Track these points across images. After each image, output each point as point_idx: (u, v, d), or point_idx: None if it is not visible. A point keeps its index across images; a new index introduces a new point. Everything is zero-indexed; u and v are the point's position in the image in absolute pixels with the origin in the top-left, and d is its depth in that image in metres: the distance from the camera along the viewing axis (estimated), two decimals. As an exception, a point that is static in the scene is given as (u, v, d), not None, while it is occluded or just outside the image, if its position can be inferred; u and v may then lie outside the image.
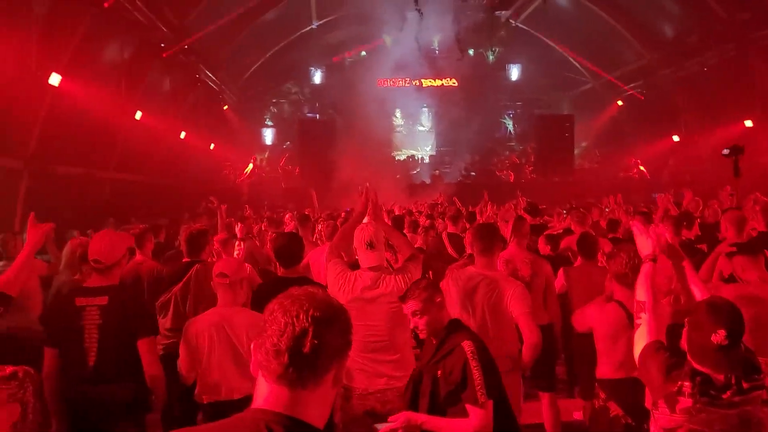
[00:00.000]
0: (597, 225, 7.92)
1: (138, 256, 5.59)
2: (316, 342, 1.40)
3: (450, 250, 6.51)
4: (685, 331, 2.49)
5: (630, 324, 3.34)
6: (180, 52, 15.35)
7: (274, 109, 25.78)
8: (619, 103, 22.45)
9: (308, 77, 25.51)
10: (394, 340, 3.66)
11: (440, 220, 9.43)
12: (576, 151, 23.37)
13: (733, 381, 2.31)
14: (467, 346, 2.85)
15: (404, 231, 8.38)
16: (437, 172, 23.04)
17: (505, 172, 22.99)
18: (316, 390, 1.43)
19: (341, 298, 3.61)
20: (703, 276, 4.53)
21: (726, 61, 16.13)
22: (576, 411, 5.38)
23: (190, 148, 18.34)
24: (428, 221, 9.37)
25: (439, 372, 2.92)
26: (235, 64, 19.37)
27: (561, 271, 5.31)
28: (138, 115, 14.08)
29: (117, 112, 12.97)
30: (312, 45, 22.88)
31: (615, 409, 3.61)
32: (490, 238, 4.13)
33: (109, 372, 3.36)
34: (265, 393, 1.44)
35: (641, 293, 2.81)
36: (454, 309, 4.05)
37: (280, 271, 4.41)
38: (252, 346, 1.48)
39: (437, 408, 2.91)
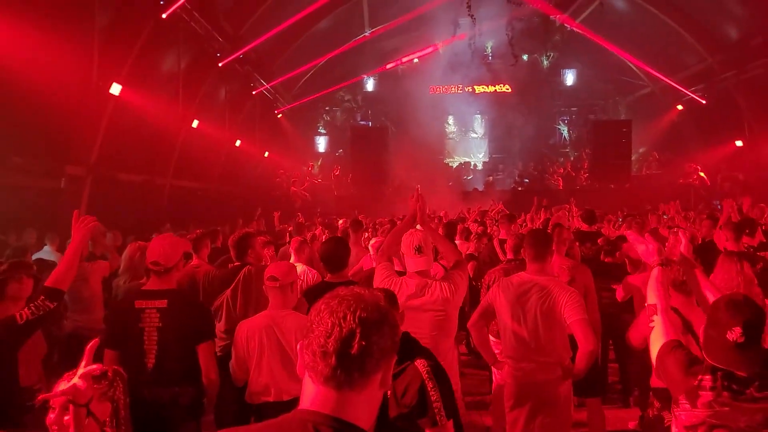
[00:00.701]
0: (656, 232, 7.66)
1: (194, 260, 5.75)
2: (363, 343, 1.38)
3: (501, 255, 6.42)
4: (703, 329, 2.46)
5: (686, 330, 3.27)
6: (235, 61, 15.70)
7: (327, 117, 26.07)
8: (679, 107, 21.71)
9: (361, 85, 25.70)
10: (437, 348, 3.61)
11: (495, 227, 9.34)
12: (633, 157, 22.77)
13: (756, 377, 2.25)
14: (421, 365, 2.68)
15: (456, 238, 8.35)
16: (491, 178, 22.82)
17: (555, 179, 22.57)
18: (363, 392, 1.41)
19: (385, 304, 3.60)
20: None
21: (793, 62, 15.46)
22: (631, 421, 5.24)
23: (245, 155, 18.73)
24: (480, 228, 9.27)
25: (389, 392, 2.75)
26: (288, 73, 19.66)
27: (625, 280, 5.24)
28: (195, 123, 14.48)
29: (175, 120, 13.38)
30: (365, 52, 23.04)
31: (669, 418, 3.51)
32: (542, 244, 4.05)
33: (168, 375, 3.41)
34: (312, 394, 1.42)
35: (652, 296, 2.78)
36: (503, 317, 3.99)
37: (327, 276, 4.42)
38: (298, 347, 1.47)
39: (386, 428, 2.81)
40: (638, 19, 20.40)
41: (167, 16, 11.74)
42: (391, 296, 2.87)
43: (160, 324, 3.42)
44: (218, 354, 4.53)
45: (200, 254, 5.85)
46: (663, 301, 2.75)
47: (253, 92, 18.65)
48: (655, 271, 2.88)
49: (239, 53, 15.57)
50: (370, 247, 5.68)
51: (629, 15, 20.68)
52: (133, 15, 11.12)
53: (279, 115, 22.05)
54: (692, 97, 20.39)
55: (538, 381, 3.89)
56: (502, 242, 6.61)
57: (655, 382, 3.68)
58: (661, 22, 19.37)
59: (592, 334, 3.81)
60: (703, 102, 20.19)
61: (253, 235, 5.43)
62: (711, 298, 2.88)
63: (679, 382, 2.42)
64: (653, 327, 2.70)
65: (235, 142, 17.78)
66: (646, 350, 3.77)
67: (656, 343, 2.63)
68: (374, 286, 3.80)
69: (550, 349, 3.92)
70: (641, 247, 3.00)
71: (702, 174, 20.29)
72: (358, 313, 1.40)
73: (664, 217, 10.08)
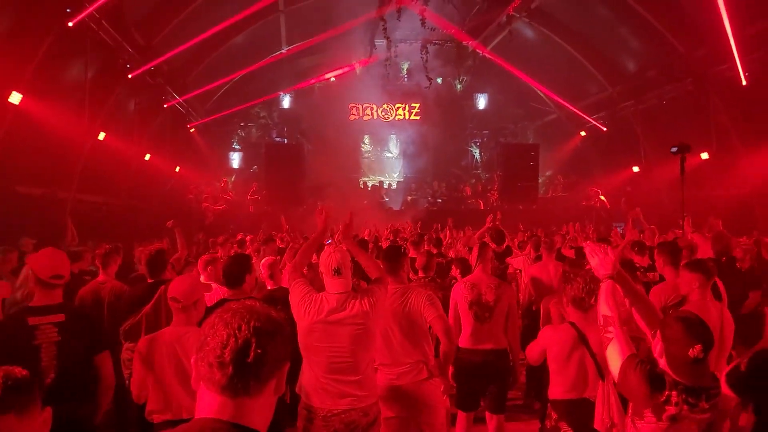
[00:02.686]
0: (559, 253, 8.05)
1: (101, 276, 5.54)
2: (259, 351, 1.43)
3: (411, 274, 6.53)
4: (660, 345, 2.63)
5: (581, 343, 3.46)
6: (146, 73, 15.23)
7: (241, 133, 25.68)
8: (583, 133, 22.95)
9: (277, 101, 25.52)
10: (357, 361, 3.68)
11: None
12: (540, 180, 23.75)
13: (704, 389, 2.52)
14: None
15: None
16: (409, 198, 23.17)
17: (473, 199, 23.20)
18: (259, 398, 1.47)
19: (306, 320, 3.64)
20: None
21: (683, 95, 16.70)
22: (535, 433, 5.45)
23: (155, 170, 18.12)
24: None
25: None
26: (202, 87, 19.27)
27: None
28: (101, 135, 13.91)
29: (80, 132, 12.79)
30: (281, 69, 22.94)
31: (566, 429, 3.71)
32: (394, 258, 4.47)
33: (70, 390, 3.35)
34: (209, 403, 1.46)
35: (605, 308, 2.93)
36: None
37: (227, 293, 4.37)
38: (192, 360, 1.49)
39: None
40: (545, 48, 21.45)
41: (74, 25, 11.28)
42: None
43: (59, 338, 3.35)
44: (130, 374, 4.50)
45: (107, 270, 5.64)
46: (616, 312, 2.90)
47: (165, 105, 18.13)
48: (605, 284, 3.02)
49: (150, 65, 15.12)
50: (261, 266, 5.62)
51: (537, 44, 21.70)
52: (36, 22, 10.60)
53: (192, 130, 21.51)
54: (594, 124, 21.60)
55: (411, 382, 4.16)
56: (411, 261, 6.73)
57: (552, 393, 3.89)
58: (566, 52, 20.45)
59: (452, 332, 4.24)
60: (604, 129, 21.42)
61: (167, 252, 5.27)
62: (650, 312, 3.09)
63: (645, 396, 2.58)
64: (611, 338, 2.84)
65: (144, 156, 17.19)
66: (543, 365, 4.00)
67: (614, 356, 2.78)
68: (292, 303, 3.80)
69: (415, 349, 4.19)
70: (595, 259, 3.10)
71: (602, 197, 21.46)
72: (252, 324, 1.45)
73: (567, 237, 10.58)
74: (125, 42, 14.00)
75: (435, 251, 8.82)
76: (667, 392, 2.52)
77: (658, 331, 2.65)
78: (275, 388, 1.52)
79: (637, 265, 6.65)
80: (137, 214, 16.88)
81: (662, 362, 2.60)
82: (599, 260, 3.08)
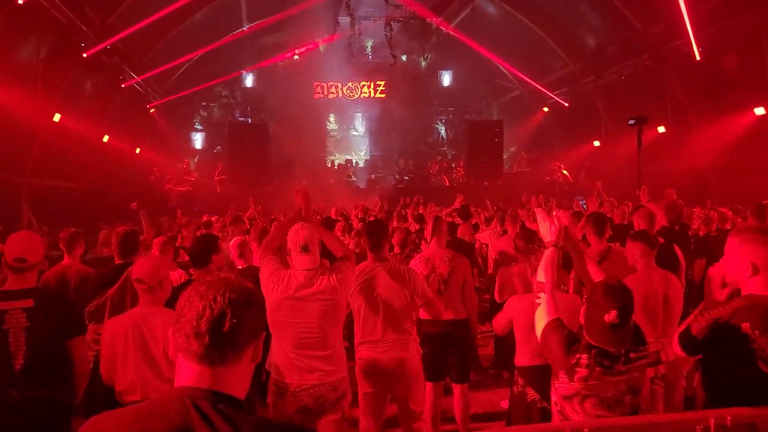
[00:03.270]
0: (523, 226, 8.16)
1: (66, 260, 5.47)
2: (235, 321, 1.48)
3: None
4: (583, 309, 2.72)
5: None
6: (102, 52, 14.83)
7: (203, 113, 25.21)
8: (545, 109, 23.19)
9: (239, 80, 25.10)
10: (326, 337, 3.71)
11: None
12: (505, 156, 23.95)
13: (622, 353, 2.58)
14: None
15: (338, 234, 8.42)
16: (372, 176, 23.13)
17: (440, 176, 23.31)
18: (236, 366, 1.52)
19: (275, 296, 3.65)
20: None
21: (641, 70, 16.97)
22: (503, 400, 5.56)
23: (115, 152, 17.72)
24: (362, 224, 9.38)
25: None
26: (161, 66, 18.84)
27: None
28: (57, 117, 13.52)
29: (33, 114, 12.40)
30: (243, 47, 22.58)
31: (532, 394, 3.83)
32: (378, 234, 4.43)
33: (39, 375, 3.33)
34: (187, 372, 1.50)
35: (541, 275, 3.00)
36: (357, 304, 4.30)
37: (194, 274, 4.34)
38: (170, 332, 1.53)
39: None
40: (508, 25, 21.55)
41: (24, 2, 10.88)
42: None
43: (28, 324, 3.31)
44: (95, 355, 4.39)
45: (73, 253, 5.56)
46: (551, 280, 2.96)
47: (123, 85, 17.69)
48: (549, 251, 3.07)
49: (107, 44, 14.73)
50: (231, 246, 5.58)
51: (500, 21, 21.78)
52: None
53: (152, 110, 21.07)
54: (557, 100, 21.84)
55: (393, 358, 4.20)
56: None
57: (518, 361, 4.00)
58: (528, 29, 20.57)
59: (434, 302, 4.41)
60: (566, 105, 21.67)
61: (140, 233, 5.19)
62: (595, 276, 3.14)
63: (560, 360, 2.67)
64: (539, 304, 2.92)
65: (102, 138, 16.79)
66: (510, 334, 4.09)
67: (541, 320, 2.86)
68: (261, 279, 3.79)
69: (396, 326, 4.24)
70: (544, 225, 3.14)
71: (565, 171, 21.78)
72: (227, 295, 1.50)
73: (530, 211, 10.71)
74: (79, 20, 13.59)
75: (417, 227, 8.83)
76: (578, 355, 2.60)
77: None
78: (252, 357, 1.56)
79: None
80: (98, 198, 16.53)
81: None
82: (547, 227, 3.14)
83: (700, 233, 6.66)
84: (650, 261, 4.44)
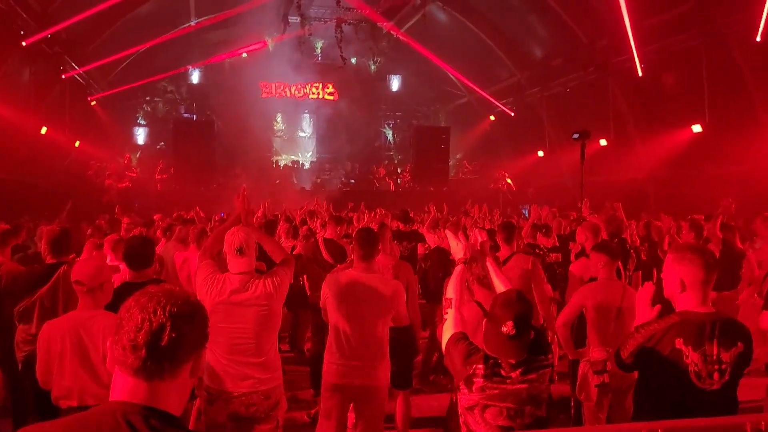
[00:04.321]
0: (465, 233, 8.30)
1: None
2: (174, 335, 1.45)
3: (325, 254, 6.55)
4: (484, 321, 2.79)
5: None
6: (42, 41, 14.31)
7: (147, 108, 24.58)
8: (492, 118, 23.61)
9: (185, 76, 24.59)
10: (260, 343, 3.65)
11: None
12: (451, 162, 24.27)
13: (520, 363, 2.63)
14: None
15: (282, 236, 8.37)
16: (318, 179, 23.05)
17: (386, 180, 23.41)
18: (173, 381, 1.49)
19: (209, 300, 3.57)
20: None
21: (586, 83, 17.51)
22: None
23: (52, 144, 17.08)
24: (305, 227, 9.34)
25: None
26: (104, 58, 18.30)
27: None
28: (-9, 106, 12.99)
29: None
30: (190, 43, 22.12)
31: None
32: (371, 243, 4.25)
33: None
34: (122, 386, 1.47)
35: (450, 291, 3.06)
36: (332, 312, 4.14)
37: (129, 276, 4.14)
38: (108, 343, 1.50)
39: None
40: (458, 33, 21.87)
41: (-42, -15, 10.44)
42: None
43: None
44: (22, 358, 4.34)
45: (3, 251, 5.40)
46: (459, 295, 3.04)
47: (63, 76, 17.10)
48: (458, 268, 3.17)
49: (47, 32, 14.22)
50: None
51: (450, 29, 22.08)
52: None
53: (93, 103, 20.42)
54: (503, 109, 22.28)
55: (366, 378, 4.12)
56: (326, 241, 6.74)
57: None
58: (478, 38, 20.94)
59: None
60: (512, 114, 22.14)
61: (70, 232, 5.01)
62: (500, 286, 3.20)
63: (459, 371, 2.72)
64: (446, 319, 2.97)
65: (40, 129, 16.17)
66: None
67: (446, 334, 2.91)
68: (196, 284, 3.73)
69: (377, 345, 4.15)
70: (453, 242, 3.25)
71: (509, 180, 22.24)
72: (168, 308, 1.46)
73: (474, 218, 10.90)
74: (18, 6, 13.08)
75: (402, 227, 8.70)
76: (474, 365, 2.65)
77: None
78: (191, 371, 1.53)
79: (541, 246, 6.99)
80: (32, 190, 15.90)
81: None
82: (455, 245, 3.25)
83: (637, 244, 6.92)
84: (611, 272, 4.60)
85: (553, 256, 6.95)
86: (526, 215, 16.00)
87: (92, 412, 1.47)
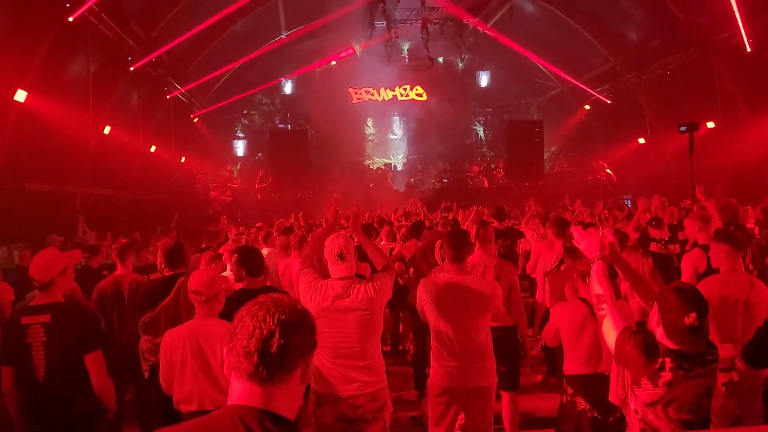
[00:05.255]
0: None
1: (119, 270, 5.68)
2: (282, 342, 1.53)
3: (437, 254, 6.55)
4: (656, 314, 2.71)
5: (593, 318, 3.50)
6: (148, 65, 15.25)
7: (245, 121, 25.65)
8: (587, 107, 22.81)
9: (279, 87, 25.46)
10: (364, 347, 3.73)
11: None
12: (546, 156, 23.68)
13: (701, 355, 2.61)
14: None
15: (383, 238, 8.49)
16: (411, 179, 23.17)
17: (479, 177, 23.18)
18: (284, 386, 1.57)
19: (313, 307, 3.67)
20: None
21: (688, 63, 16.55)
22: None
23: (160, 161, 18.20)
24: (404, 229, 9.40)
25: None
26: (203, 76, 19.26)
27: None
28: (107, 129, 13.97)
29: (86, 126, 12.85)
30: (282, 55, 22.85)
31: (582, 404, 3.77)
32: (461, 245, 4.24)
33: (59, 387, 3.47)
34: (239, 391, 1.56)
35: (597, 287, 3.01)
36: (432, 316, 4.16)
37: (244, 283, 4.40)
38: (225, 350, 1.60)
39: None
40: (546, 22, 21.29)
41: (74, 20, 11.28)
42: None
43: (46, 338, 3.47)
44: (150, 366, 4.59)
45: (125, 263, 5.77)
46: (609, 291, 2.99)
47: (168, 96, 18.16)
48: (596, 265, 3.10)
49: (152, 57, 15.13)
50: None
51: (538, 19, 21.54)
52: (36, 19, 10.61)
53: (195, 120, 21.55)
54: (598, 97, 21.47)
55: (477, 379, 4.12)
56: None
57: (567, 369, 3.94)
58: (567, 25, 20.29)
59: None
60: (609, 102, 21.29)
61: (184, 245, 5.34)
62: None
63: (641, 365, 2.68)
64: (604, 315, 2.94)
65: (150, 148, 17.26)
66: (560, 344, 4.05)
67: (610, 330, 2.87)
68: (300, 291, 3.86)
69: (481, 345, 4.14)
70: (583, 242, 3.20)
71: (609, 171, 21.41)
72: (276, 316, 1.55)
73: (574, 213, 10.57)
74: (125, 34, 14.02)
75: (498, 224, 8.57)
76: (661, 359, 2.62)
77: (655, 303, 2.73)
78: (301, 377, 1.61)
79: (657, 238, 6.70)
80: (145, 206, 16.99)
81: (659, 332, 2.67)
82: (587, 244, 3.18)
83: (756, 233, 6.44)
84: (735, 263, 4.24)
85: (671, 247, 6.63)
86: (629, 205, 15.35)
87: (212, 416, 1.57)
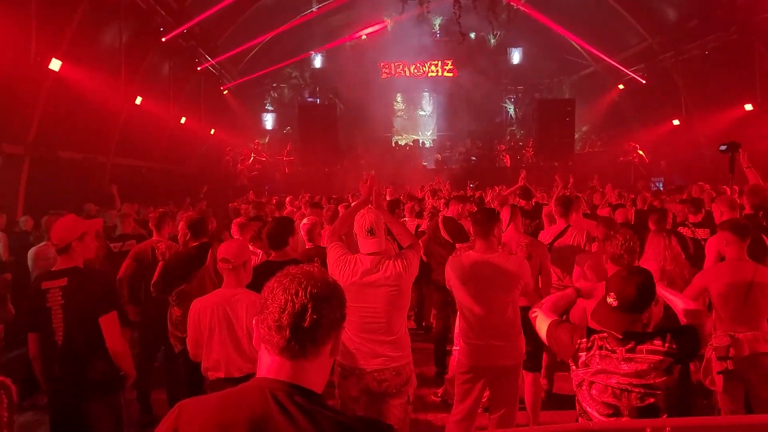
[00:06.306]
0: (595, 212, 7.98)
1: (155, 236, 5.95)
2: (315, 316, 1.50)
3: (443, 233, 6.54)
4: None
5: None
6: (179, 36, 15.31)
7: (274, 94, 25.69)
8: (621, 87, 22.33)
9: (308, 61, 25.38)
10: (391, 322, 3.73)
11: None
12: (576, 135, 23.32)
13: (627, 339, 2.62)
14: None
15: (407, 215, 8.46)
16: (439, 156, 23.04)
17: (506, 156, 22.96)
18: (315, 360, 1.54)
19: (342, 281, 3.67)
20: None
21: (727, 44, 16.05)
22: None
23: (190, 132, 18.36)
24: (431, 206, 9.37)
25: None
26: (234, 48, 19.29)
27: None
28: (138, 100, 14.10)
29: (117, 96, 13.00)
30: (312, 28, 22.76)
31: None
32: (486, 222, 4.22)
33: (76, 351, 3.54)
34: (269, 364, 1.54)
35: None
36: (459, 294, 4.15)
37: (271, 255, 4.53)
38: (254, 322, 1.58)
39: None
40: (582, -1, 20.80)
41: (107, -11, 11.37)
42: None
43: (63, 301, 3.54)
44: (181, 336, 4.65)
45: (161, 232, 6.00)
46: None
47: (198, 68, 18.24)
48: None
49: (183, 28, 15.18)
50: (301, 228, 5.63)
51: (573, -5, 21.04)
52: (70, -13, 10.70)
53: (225, 92, 21.64)
54: (633, 76, 20.99)
55: (505, 358, 4.13)
56: (445, 220, 6.72)
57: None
58: (603, 2, 19.80)
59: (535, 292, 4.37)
60: (643, 82, 20.81)
61: (208, 217, 5.49)
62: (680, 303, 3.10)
63: (566, 345, 2.80)
64: (536, 316, 3.10)
65: (180, 119, 17.40)
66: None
67: (543, 324, 3.02)
68: (328, 264, 3.87)
69: (510, 323, 4.13)
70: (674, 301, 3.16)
71: (641, 152, 21.01)
72: (309, 289, 1.52)
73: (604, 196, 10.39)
74: (158, 5, 14.06)
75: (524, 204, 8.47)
76: (578, 339, 2.71)
77: None
78: (331, 351, 1.58)
79: (689, 222, 6.60)
80: (173, 178, 17.19)
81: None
82: (676, 303, 3.12)
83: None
84: (740, 251, 4.21)
85: (699, 232, 6.51)
86: (660, 188, 15.07)
87: (243, 387, 1.55)
